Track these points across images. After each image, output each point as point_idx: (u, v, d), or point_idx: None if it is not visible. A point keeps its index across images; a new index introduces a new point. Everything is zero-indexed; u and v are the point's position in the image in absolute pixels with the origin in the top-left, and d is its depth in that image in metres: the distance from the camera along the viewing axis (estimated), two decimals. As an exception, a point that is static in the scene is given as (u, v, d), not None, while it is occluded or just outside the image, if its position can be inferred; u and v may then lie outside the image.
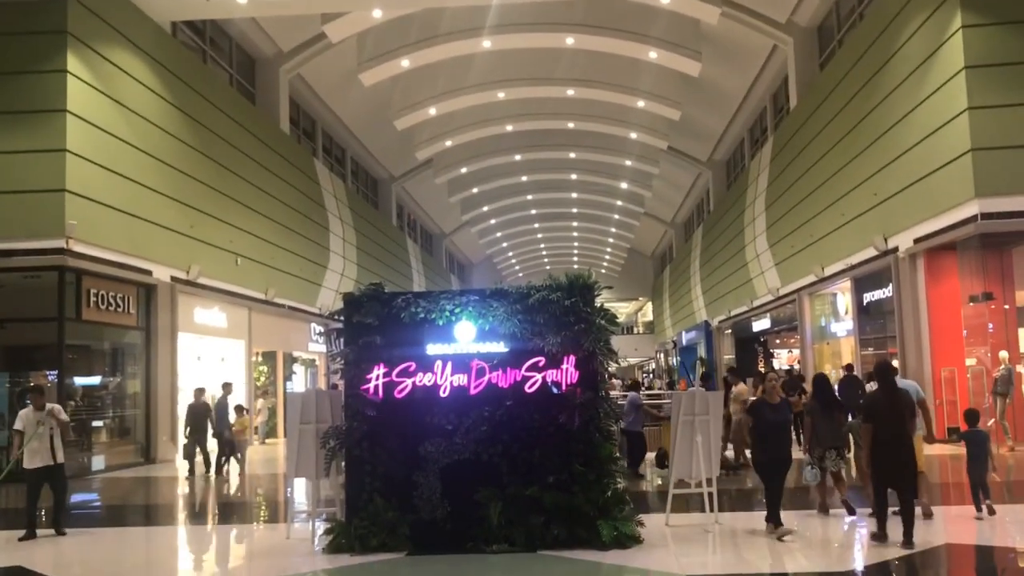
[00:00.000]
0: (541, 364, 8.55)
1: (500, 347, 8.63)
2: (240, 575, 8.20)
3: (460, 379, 8.62)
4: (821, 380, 10.58)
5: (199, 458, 17.16)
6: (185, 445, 17.66)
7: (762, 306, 33.32)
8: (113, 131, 18.31)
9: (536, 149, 40.42)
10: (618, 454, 9.05)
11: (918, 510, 8.98)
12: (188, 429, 17.26)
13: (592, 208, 53.06)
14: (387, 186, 43.38)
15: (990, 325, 17.28)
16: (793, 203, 27.11)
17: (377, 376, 8.68)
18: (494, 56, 29.29)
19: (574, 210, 54.74)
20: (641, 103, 31.87)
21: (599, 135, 37.63)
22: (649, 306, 74.48)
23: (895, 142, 19.17)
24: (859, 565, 7.57)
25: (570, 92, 31.86)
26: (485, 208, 49.76)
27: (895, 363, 19.63)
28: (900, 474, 8.25)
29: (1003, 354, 16.38)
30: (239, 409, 17.95)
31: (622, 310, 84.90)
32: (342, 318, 8.92)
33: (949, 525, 9.70)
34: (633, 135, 36.07)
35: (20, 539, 9.91)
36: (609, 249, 66.49)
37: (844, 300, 24.57)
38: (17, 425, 10.48)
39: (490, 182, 44.98)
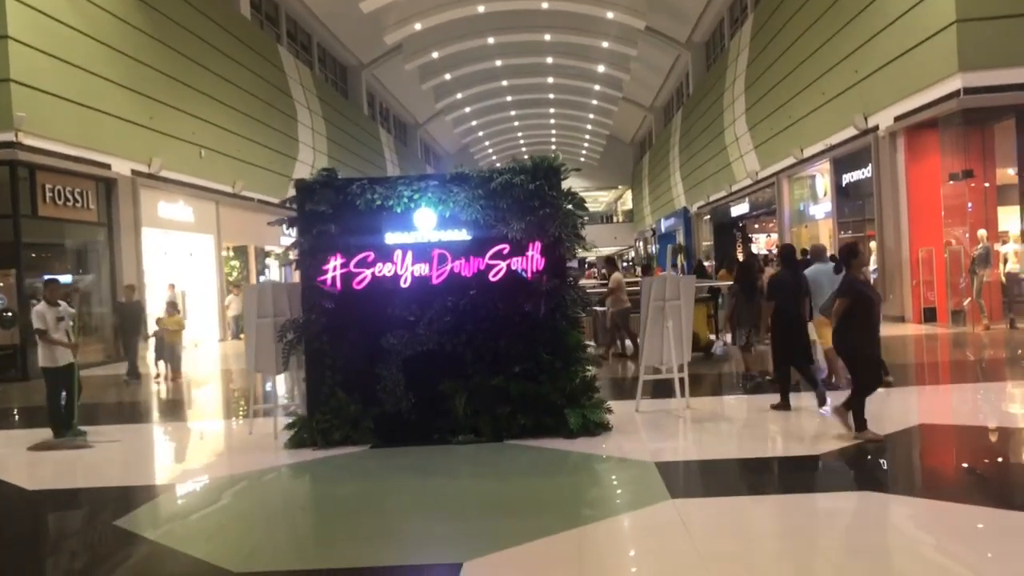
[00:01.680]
0: (505, 252, 8.18)
1: (463, 235, 8.24)
2: (204, 472, 8.00)
3: (421, 268, 8.26)
4: (743, 267, 10.82)
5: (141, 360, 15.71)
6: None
7: (741, 190, 32.95)
8: (59, 16, 17.29)
9: (509, 31, 39.03)
10: (588, 341, 8.81)
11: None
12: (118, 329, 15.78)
13: (569, 93, 51.77)
14: (357, 74, 42.05)
15: (969, 204, 17.04)
16: (773, 83, 26.44)
17: (334, 267, 8.30)
18: (462, -69, 27.91)
19: (551, 96, 53.40)
20: (618, -20, 30.63)
21: (574, 15, 36.29)
22: (629, 194, 73.90)
23: (877, 15, 18.49)
24: (828, 448, 7.42)
25: (543, -31, 30.53)
26: (459, 95, 48.47)
27: (872, 244, 19.52)
28: (796, 349, 9.11)
29: (981, 232, 16.18)
30: (171, 306, 16.58)
31: (601, 198, 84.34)
32: (295, 206, 8.46)
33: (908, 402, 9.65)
34: (609, 14, 34.81)
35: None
36: (588, 136, 65.38)
37: (823, 182, 24.23)
38: (37, 323, 9.72)
39: (463, 67, 43.60)
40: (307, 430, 8.27)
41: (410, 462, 7.62)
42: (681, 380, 9.09)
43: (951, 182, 16.71)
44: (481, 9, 34.82)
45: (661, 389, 10.26)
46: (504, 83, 48.74)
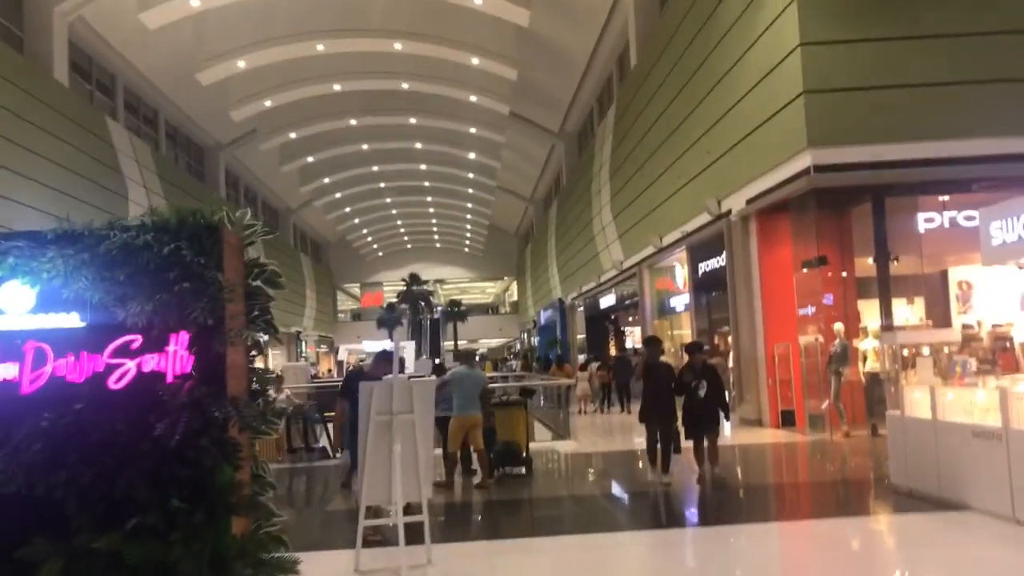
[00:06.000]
0: (136, 345, 5.57)
1: (72, 320, 5.63)
2: None
3: (8, 370, 5.59)
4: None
5: None
6: None
7: (608, 281, 31.39)
8: None
9: (372, 113, 37.21)
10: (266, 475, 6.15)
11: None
12: None
13: (444, 181, 50.15)
14: (214, 154, 39.31)
15: (829, 296, 15.35)
16: (633, 170, 25.04)
17: None
18: (303, 1, 26.04)
19: (426, 183, 51.67)
20: (476, 60, 29.15)
21: (437, 98, 34.75)
22: (515, 286, 72.40)
23: (729, 91, 17.09)
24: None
25: (397, 46, 28.80)
26: (326, 180, 46.15)
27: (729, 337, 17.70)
28: None
29: (838, 327, 14.44)
30: None
31: (488, 289, 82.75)
32: None
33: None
34: (473, 98, 33.37)
35: None
36: (469, 226, 63.86)
37: (681, 272, 22.59)
38: None
39: (326, 150, 41.42)
40: None
41: None
42: (411, 526, 6.54)
43: (804, 270, 15.04)
44: (337, 88, 32.86)
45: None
46: (375, 168, 46.78)
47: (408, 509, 6.83)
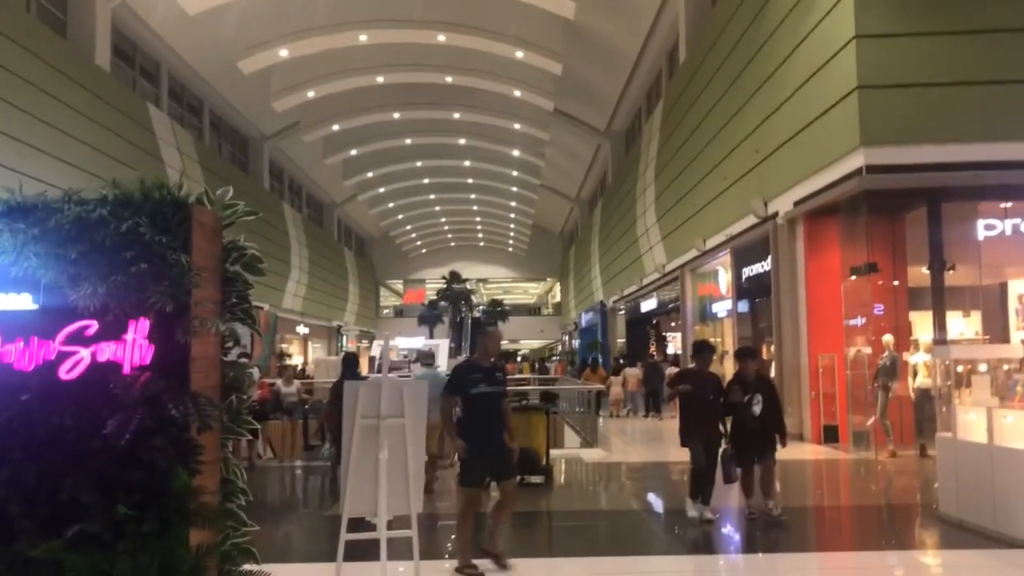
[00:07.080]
0: (91, 332, 5.03)
1: (23, 301, 5.10)
2: None
3: (-48, 355, 5.09)
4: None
5: None
6: None
7: (649, 285, 30.53)
8: None
9: (415, 107, 36.74)
10: (239, 482, 5.57)
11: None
12: None
13: (488, 178, 49.50)
14: (259, 145, 39.16)
15: (880, 306, 14.43)
16: (679, 170, 24.20)
17: None
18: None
19: (469, 180, 51.10)
20: (520, 53, 28.49)
21: (481, 92, 34.12)
22: (558, 287, 71.60)
23: (779, 87, 16.22)
24: None
25: (441, 38, 28.27)
26: (370, 174, 45.80)
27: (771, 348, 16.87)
28: None
29: (887, 338, 13.54)
30: None
31: (531, 290, 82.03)
32: None
33: None
34: (517, 93, 32.69)
35: None
36: (513, 225, 63.19)
37: (725, 276, 21.70)
38: None
39: (370, 144, 41.03)
40: None
41: None
42: (395, 541, 5.92)
43: (853, 277, 14.14)
44: (380, 80, 32.44)
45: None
46: (419, 164, 46.34)
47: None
